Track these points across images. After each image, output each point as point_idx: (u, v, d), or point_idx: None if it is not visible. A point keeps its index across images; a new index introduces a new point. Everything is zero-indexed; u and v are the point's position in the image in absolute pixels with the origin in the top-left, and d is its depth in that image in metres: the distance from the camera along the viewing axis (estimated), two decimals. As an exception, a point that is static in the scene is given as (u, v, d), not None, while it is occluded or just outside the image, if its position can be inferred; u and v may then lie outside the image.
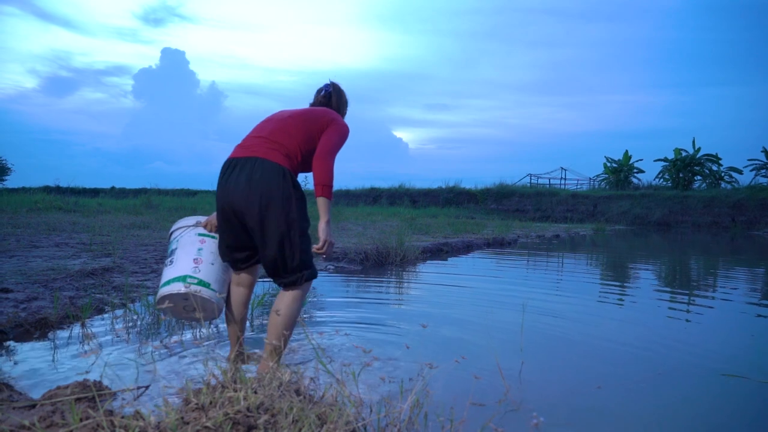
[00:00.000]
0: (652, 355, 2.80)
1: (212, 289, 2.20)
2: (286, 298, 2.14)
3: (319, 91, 2.48)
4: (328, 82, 2.49)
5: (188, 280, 2.17)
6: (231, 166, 2.09)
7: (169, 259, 2.26)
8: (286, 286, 2.14)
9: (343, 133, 2.23)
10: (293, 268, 2.11)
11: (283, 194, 2.03)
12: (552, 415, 1.91)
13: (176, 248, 2.28)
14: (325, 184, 2.11)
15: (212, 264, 2.24)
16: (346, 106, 2.54)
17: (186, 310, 2.25)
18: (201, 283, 2.18)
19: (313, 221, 2.22)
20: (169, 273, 2.21)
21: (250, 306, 2.93)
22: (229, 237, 2.15)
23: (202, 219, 2.37)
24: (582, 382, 2.34)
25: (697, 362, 2.68)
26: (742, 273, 7.05)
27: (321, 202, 2.11)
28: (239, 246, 2.17)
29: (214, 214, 2.29)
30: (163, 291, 2.17)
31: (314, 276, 2.20)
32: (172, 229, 2.43)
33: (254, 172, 2.02)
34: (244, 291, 2.30)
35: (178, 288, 2.14)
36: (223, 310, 2.33)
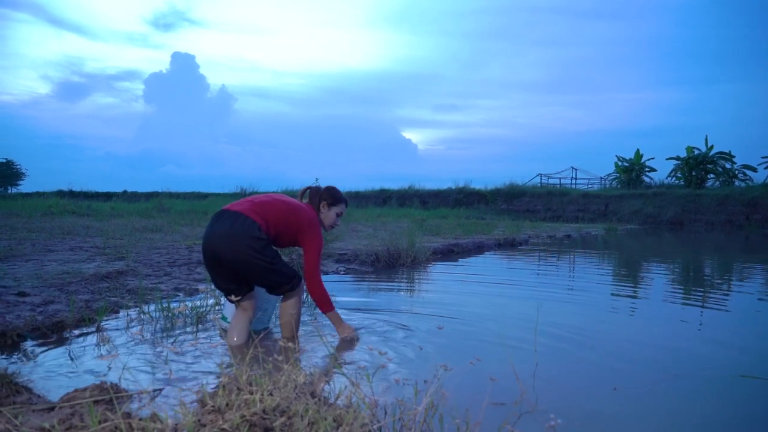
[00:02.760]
0: (669, 356, 2.77)
1: (228, 321, 2.89)
2: (288, 303, 2.74)
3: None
4: (312, 186, 2.95)
5: (221, 316, 3.05)
6: (218, 217, 2.56)
7: None
8: (285, 294, 2.72)
9: (318, 247, 2.71)
10: (281, 284, 2.63)
11: (253, 242, 2.46)
12: (568, 417, 1.89)
13: None
14: (323, 303, 2.73)
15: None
16: (322, 199, 2.89)
17: None
18: (223, 318, 3.01)
19: None
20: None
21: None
22: (214, 275, 2.60)
23: None
24: (597, 384, 2.32)
25: (715, 363, 2.65)
26: (757, 272, 6.95)
27: (329, 316, 2.79)
28: (224, 282, 2.59)
29: None
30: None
31: (300, 279, 2.71)
32: None
33: (235, 224, 2.47)
34: (246, 314, 2.72)
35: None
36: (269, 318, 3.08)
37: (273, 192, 2.84)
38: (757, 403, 2.19)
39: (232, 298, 2.37)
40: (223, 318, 3.00)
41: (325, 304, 2.74)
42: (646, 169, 29.46)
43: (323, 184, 2.86)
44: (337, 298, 4.15)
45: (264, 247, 2.50)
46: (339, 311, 3.46)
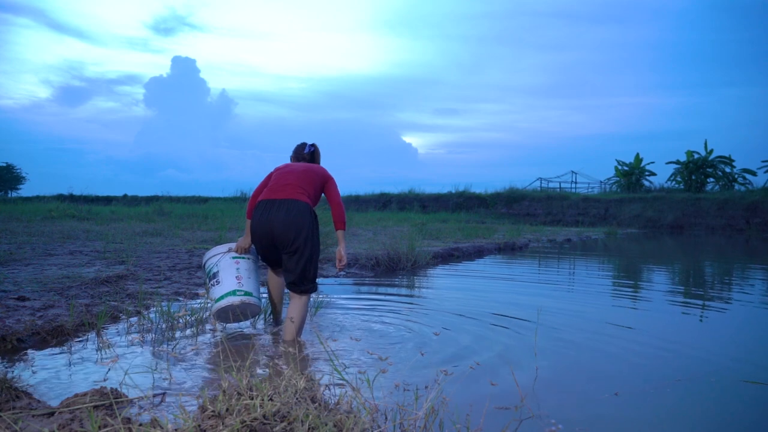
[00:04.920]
0: (670, 361, 2.77)
1: (254, 296, 2.95)
2: (299, 305, 2.84)
3: (302, 147, 3.23)
4: (311, 143, 3.25)
5: (237, 293, 2.91)
6: (270, 205, 2.81)
7: (215, 280, 2.97)
8: (302, 293, 2.83)
9: (337, 186, 3.10)
10: (309, 280, 2.82)
11: (310, 227, 2.79)
12: (569, 422, 1.89)
13: (218, 271, 2.98)
14: (342, 221, 2.99)
15: (249, 278, 3.00)
16: (319, 157, 3.31)
17: (233, 315, 2.98)
18: (246, 293, 2.93)
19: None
20: (219, 291, 2.93)
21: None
22: (268, 254, 2.92)
23: (233, 245, 3.08)
24: (598, 389, 2.31)
25: (717, 368, 2.64)
26: (759, 275, 6.94)
27: (340, 233, 3.01)
28: (275, 259, 2.93)
29: (241, 239, 3.04)
30: (220, 304, 2.89)
31: (316, 289, 2.92)
32: (207, 257, 3.10)
33: (290, 210, 2.77)
34: (281, 277, 3.07)
35: (232, 301, 2.88)
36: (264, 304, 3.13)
37: (285, 166, 3.08)
38: (760, 408, 2.19)
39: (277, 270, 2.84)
40: (247, 294, 2.94)
41: (342, 222, 3.00)
42: (646, 173, 29.47)
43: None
44: (337, 302, 4.15)
45: (315, 232, 2.86)
46: (338, 313, 3.45)
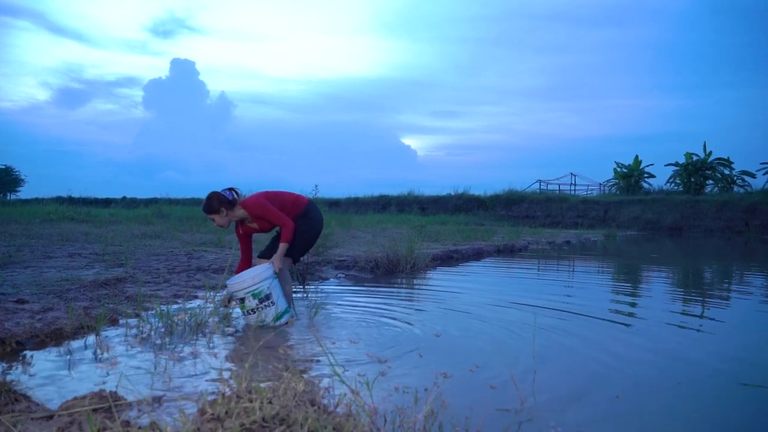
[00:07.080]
0: (671, 364, 2.76)
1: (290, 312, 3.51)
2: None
3: (226, 194, 3.46)
4: (227, 188, 3.51)
5: (289, 310, 3.44)
6: (316, 206, 3.70)
7: (269, 301, 3.29)
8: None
9: None
10: None
11: None
12: (569, 425, 1.89)
13: (271, 293, 3.31)
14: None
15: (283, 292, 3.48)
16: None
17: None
18: (287, 311, 3.42)
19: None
20: (276, 310, 3.32)
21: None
22: (309, 249, 3.76)
23: (274, 268, 3.39)
24: (599, 392, 2.31)
25: (717, 371, 2.64)
26: (758, 278, 6.95)
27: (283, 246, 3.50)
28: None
29: (278, 258, 3.41)
30: (281, 322, 3.35)
31: None
32: (261, 278, 3.27)
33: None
34: None
35: (289, 317, 3.41)
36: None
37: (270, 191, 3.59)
38: (760, 412, 2.19)
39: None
40: (287, 311, 3.42)
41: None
42: (645, 175, 29.52)
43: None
44: (336, 304, 4.15)
45: None
46: (337, 315, 3.44)
